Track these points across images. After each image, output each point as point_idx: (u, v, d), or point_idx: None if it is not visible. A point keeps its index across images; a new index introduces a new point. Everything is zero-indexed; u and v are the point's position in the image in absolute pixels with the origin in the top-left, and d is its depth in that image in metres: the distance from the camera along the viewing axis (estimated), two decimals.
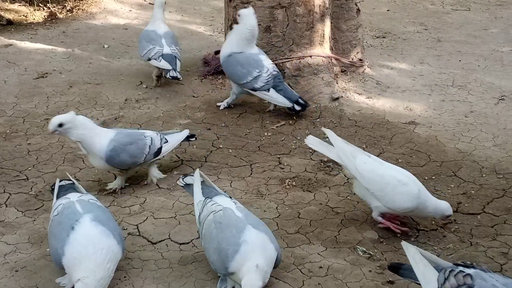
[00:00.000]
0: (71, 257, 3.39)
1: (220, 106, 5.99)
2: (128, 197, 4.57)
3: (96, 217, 3.53)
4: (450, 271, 3.07)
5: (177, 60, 6.30)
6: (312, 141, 4.39)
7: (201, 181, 3.99)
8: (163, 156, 4.75)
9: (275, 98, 5.73)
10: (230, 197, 3.87)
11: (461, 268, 3.07)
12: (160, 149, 4.66)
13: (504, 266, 3.79)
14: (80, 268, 3.33)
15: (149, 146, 4.58)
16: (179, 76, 6.20)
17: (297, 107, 5.71)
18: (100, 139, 4.41)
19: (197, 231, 3.84)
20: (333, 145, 4.26)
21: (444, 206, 4.02)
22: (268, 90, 5.71)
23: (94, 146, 4.39)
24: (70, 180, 4.07)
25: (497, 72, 7.08)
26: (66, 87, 6.48)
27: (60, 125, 4.26)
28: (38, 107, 6.03)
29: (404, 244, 3.35)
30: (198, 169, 4.08)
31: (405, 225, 4.19)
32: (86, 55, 7.47)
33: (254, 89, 5.74)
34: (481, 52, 7.78)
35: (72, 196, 3.77)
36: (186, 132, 4.90)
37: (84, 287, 3.28)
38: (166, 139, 4.72)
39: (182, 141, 4.90)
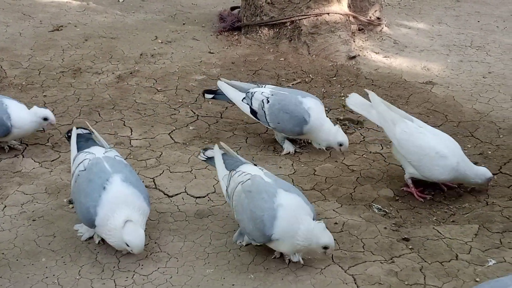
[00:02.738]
0: (105, 217, 3.37)
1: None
2: (144, 150, 4.58)
3: (127, 178, 3.49)
4: None
5: None
6: (354, 101, 4.31)
7: (222, 153, 3.80)
8: None
9: None
10: (256, 164, 3.74)
11: None
12: None
13: None
14: (116, 216, 3.33)
15: None
16: None
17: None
18: None
19: (228, 203, 3.68)
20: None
21: (482, 171, 4.01)
22: None
23: None
24: (87, 129, 3.99)
25: None
26: (81, 40, 6.45)
27: None
28: (53, 60, 6.01)
29: None
30: (216, 144, 3.83)
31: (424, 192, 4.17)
32: (101, 8, 7.42)
33: None
34: (500, 13, 7.66)
35: (97, 152, 3.70)
36: None
37: (134, 225, 3.31)
38: None
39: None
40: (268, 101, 4.49)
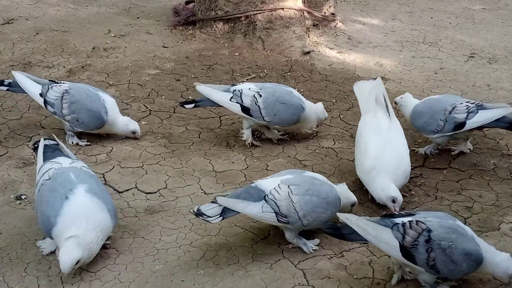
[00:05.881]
0: (63, 227, 3.25)
1: None
2: (95, 146, 4.51)
3: (91, 189, 3.39)
4: (403, 225, 3.12)
5: None
6: (360, 86, 4.53)
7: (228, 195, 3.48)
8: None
9: None
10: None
11: (409, 218, 3.16)
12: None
13: (468, 220, 3.83)
14: (70, 230, 3.22)
15: None
16: None
17: None
18: None
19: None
20: None
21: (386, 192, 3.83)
22: None
23: None
24: (54, 140, 3.81)
25: (468, 30, 7.09)
26: (33, 34, 6.34)
27: None
28: (3, 54, 5.88)
29: (342, 215, 3.25)
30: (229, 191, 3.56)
31: None
32: (53, 1, 7.29)
33: None
34: (453, 9, 7.78)
35: (64, 162, 3.58)
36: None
37: (75, 242, 3.18)
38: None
39: None
40: (260, 95, 4.47)
